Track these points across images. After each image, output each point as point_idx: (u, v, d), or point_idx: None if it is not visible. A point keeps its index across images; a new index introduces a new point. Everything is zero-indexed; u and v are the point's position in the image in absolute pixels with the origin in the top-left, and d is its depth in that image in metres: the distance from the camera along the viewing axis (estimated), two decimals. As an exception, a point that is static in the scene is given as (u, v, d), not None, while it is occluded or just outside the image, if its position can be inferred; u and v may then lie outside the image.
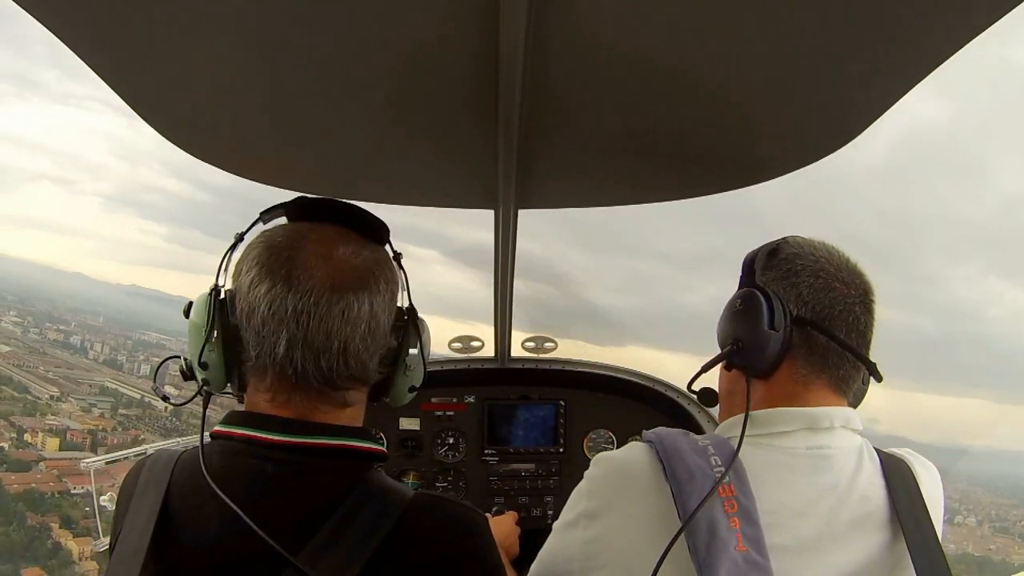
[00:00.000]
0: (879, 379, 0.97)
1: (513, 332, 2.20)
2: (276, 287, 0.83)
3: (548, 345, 2.32)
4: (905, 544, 0.87)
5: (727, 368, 0.99)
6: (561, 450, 2.32)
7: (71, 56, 0.86)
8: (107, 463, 2.38)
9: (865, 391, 1.02)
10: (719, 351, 0.99)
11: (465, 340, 2.29)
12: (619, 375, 2.34)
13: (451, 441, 2.32)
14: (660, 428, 0.94)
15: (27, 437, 27.12)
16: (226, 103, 1.04)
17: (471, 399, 2.33)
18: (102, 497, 2.12)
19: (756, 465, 0.87)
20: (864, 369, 0.96)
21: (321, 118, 1.08)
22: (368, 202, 1.01)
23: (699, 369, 1.01)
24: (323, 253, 0.86)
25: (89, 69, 0.91)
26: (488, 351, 2.29)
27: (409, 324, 0.95)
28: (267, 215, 0.96)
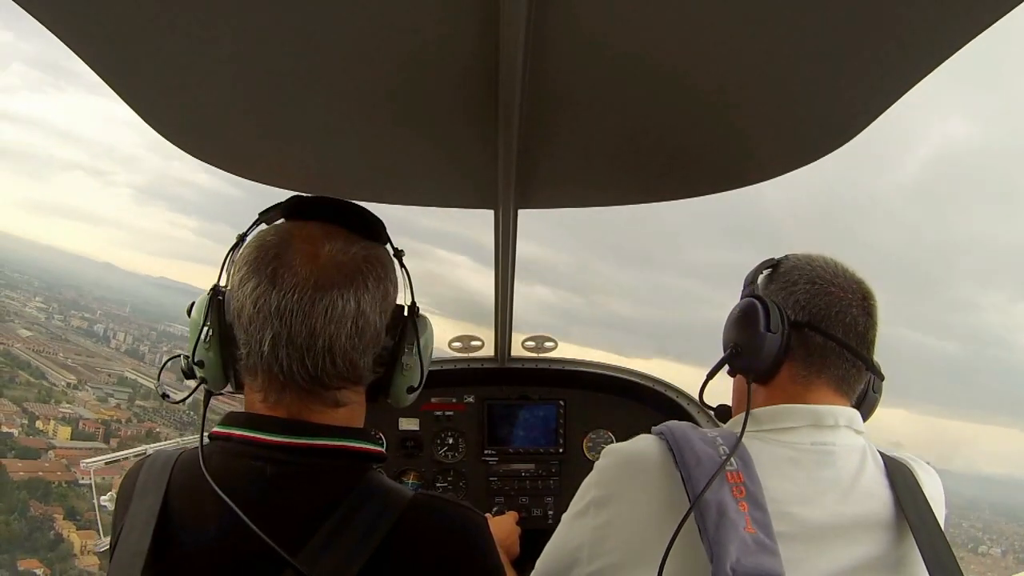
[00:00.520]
0: (880, 377, 1.02)
1: (513, 332, 2.20)
2: (261, 285, 0.83)
3: (548, 345, 2.32)
4: (912, 542, 0.89)
5: (730, 373, 1.05)
6: (561, 450, 2.32)
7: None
8: (107, 463, 2.38)
9: (877, 399, 1.05)
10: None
11: (465, 340, 2.29)
12: (619, 375, 2.34)
13: (451, 441, 2.32)
14: (669, 422, 0.97)
15: (39, 424, 27.12)
16: (226, 103, 1.04)
17: (471, 399, 2.33)
18: (102, 497, 2.13)
19: (762, 458, 0.89)
20: (869, 373, 0.99)
21: (321, 118, 1.08)
22: (368, 202, 1.01)
23: (705, 377, 1.06)
24: (309, 251, 0.85)
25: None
26: (488, 351, 2.29)
27: (406, 323, 0.95)
28: (266, 215, 0.96)
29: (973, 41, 0.71)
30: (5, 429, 26.27)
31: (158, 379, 1.09)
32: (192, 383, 0.96)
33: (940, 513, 0.95)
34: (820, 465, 0.91)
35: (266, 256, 0.85)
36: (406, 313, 0.96)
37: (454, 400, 2.33)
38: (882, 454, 0.98)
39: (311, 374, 0.84)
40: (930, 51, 0.75)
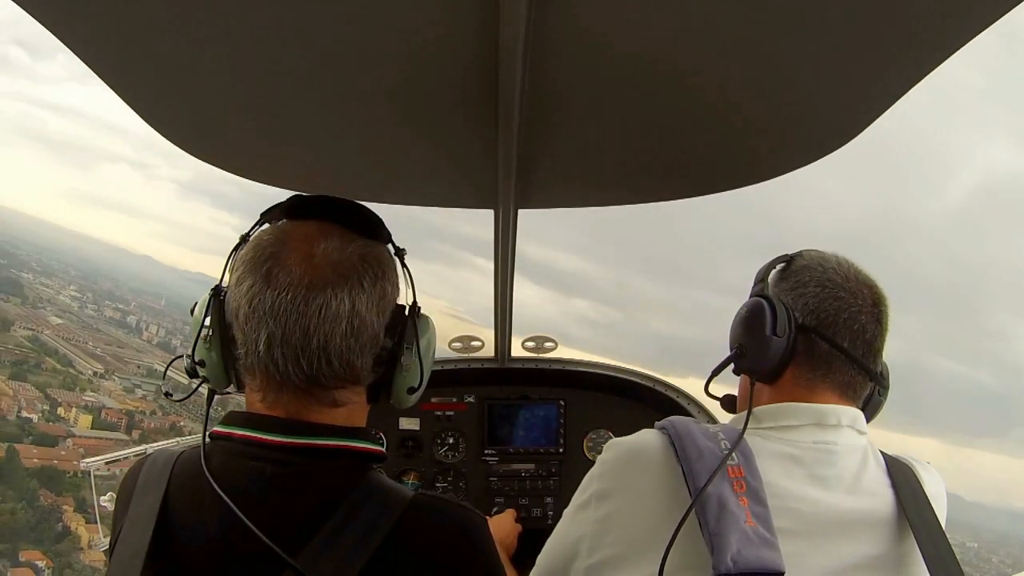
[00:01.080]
0: (884, 387, 1.01)
1: (513, 332, 2.20)
2: (256, 285, 0.83)
3: (548, 345, 2.32)
4: (913, 541, 0.89)
5: (735, 372, 1.04)
6: (561, 450, 2.32)
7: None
8: (107, 463, 2.38)
9: (881, 403, 1.04)
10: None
11: (465, 340, 2.29)
12: (619, 375, 2.34)
13: (451, 441, 2.32)
14: (671, 417, 0.97)
15: (60, 411, 27.06)
16: (225, 103, 1.04)
17: (471, 399, 2.33)
18: (102, 497, 2.12)
19: (764, 454, 0.90)
20: (870, 379, 0.98)
21: (321, 118, 1.08)
22: (368, 202, 1.01)
23: (710, 373, 1.07)
24: (304, 250, 0.85)
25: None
26: (488, 351, 2.29)
27: (406, 323, 0.94)
28: (268, 215, 0.96)
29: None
30: (25, 414, 26.19)
31: (163, 378, 1.09)
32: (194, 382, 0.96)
33: (941, 512, 0.95)
34: (822, 463, 0.91)
35: (262, 255, 0.85)
36: (407, 313, 0.95)
37: (454, 400, 2.32)
38: (884, 454, 0.98)
39: (307, 374, 0.83)
40: (930, 51, 0.75)
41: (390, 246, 0.95)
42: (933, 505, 0.93)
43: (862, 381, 0.98)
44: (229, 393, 0.95)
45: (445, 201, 1.50)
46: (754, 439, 0.91)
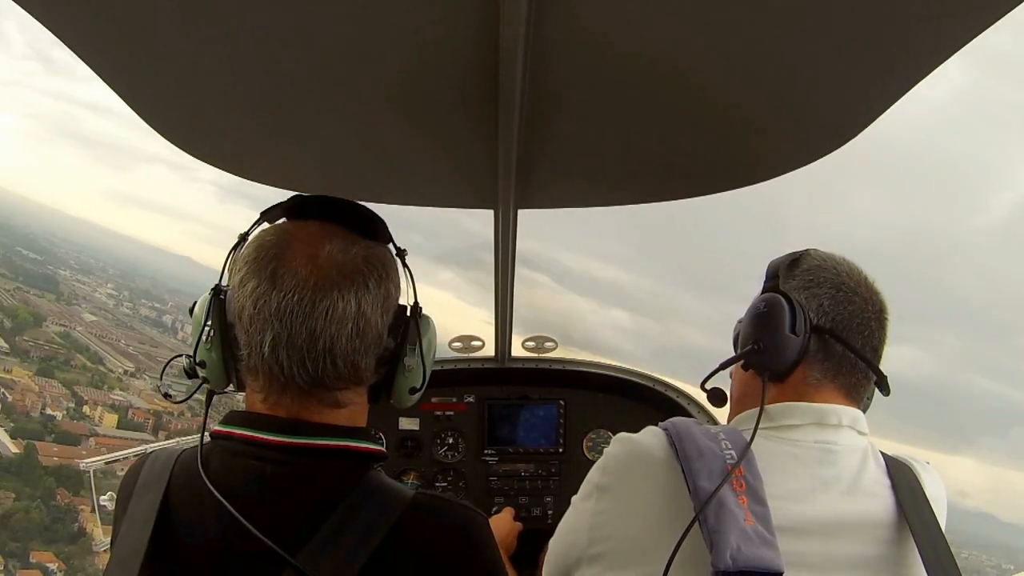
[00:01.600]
0: (887, 392, 1.01)
1: (514, 332, 2.20)
2: (261, 286, 0.83)
3: (548, 345, 2.32)
4: (912, 543, 0.89)
5: (744, 368, 1.03)
6: (561, 450, 2.32)
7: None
8: (106, 463, 2.38)
9: (868, 404, 1.05)
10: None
11: (465, 340, 2.29)
12: (619, 375, 2.34)
13: (451, 441, 2.32)
14: (674, 418, 0.97)
15: (86, 409, 26.81)
16: (225, 103, 1.04)
17: (471, 399, 2.33)
18: (102, 497, 2.13)
19: (763, 453, 0.89)
20: (874, 382, 1.00)
21: (321, 118, 1.08)
22: (368, 202, 1.01)
23: (717, 366, 1.05)
24: (309, 251, 0.85)
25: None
26: (488, 351, 2.29)
27: (408, 324, 0.94)
28: (268, 214, 0.96)
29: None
30: (49, 411, 25.98)
31: (160, 378, 1.09)
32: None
33: (941, 514, 0.95)
34: (822, 463, 0.91)
35: (265, 256, 0.85)
36: (408, 313, 0.95)
37: (454, 400, 2.32)
38: (884, 455, 0.98)
39: (312, 375, 0.83)
40: (930, 51, 0.75)
41: (391, 246, 0.95)
42: (933, 506, 0.93)
43: (866, 384, 0.99)
44: (227, 392, 0.95)
45: (445, 201, 1.50)
46: (755, 438, 0.91)
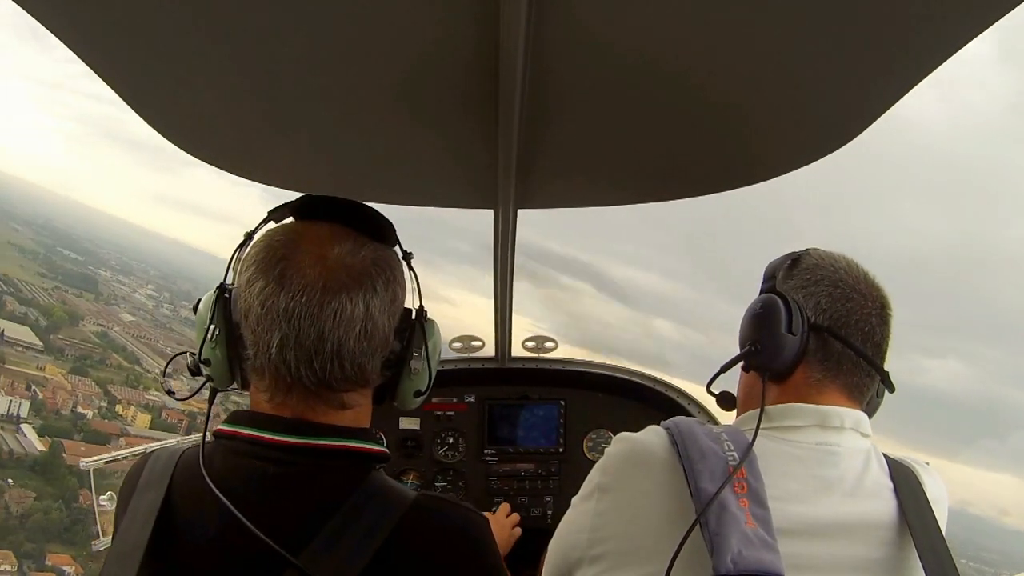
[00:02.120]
0: (891, 388, 1.01)
1: (513, 332, 2.20)
2: (269, 286, 0.83)
3: (548, 345, 2.32)
4: (913, 546, 0.88)
5: (745, 369, 1.04)
6: (561, 450, 2.32)
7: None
8: (106, 463, 2.37)
9: (878, 404, 1.04)
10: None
11: (465, 340, 2.29)
12: (619, 375, 2.34)
13: (451, 441, 2.32)
14: (676, 417, 0.97)
15: (118, 408, 26.80)
16: (225, 103, 1.04)
17: (471, 399, 2.33)
18: (101, 497, 2.12)
19: (765, 454, 0.89)
20: (879, 381, 0.99)
21: (321, 118, 1.08)
22: (368, 202, 1.01)
23: (718, 369, 1.05)
24: (318, 252, 0.85)
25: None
26: (488, 351, 2.29)
27: (414, 327, 0.94)
28: (275, 213, 0.96)
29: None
30: (80, 410, 25.88)
31: (163, 374, 1.08)
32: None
33: (942, 517, 0.95)
34: (824, 465, 0.91)
35: (274, 256, 0.85)
36: (414, 317, 0.95)
37: (455, 400, 2.33)
38: (887, 457, 0.98)
39: (319, 376, 0.83)
40: (930, 51, 0.75)
41: (397, 249, 0.95)
42: (934, 509, 0.92)
43: (869, 383, 0.98)
44: (229, 390, 0.95)
45: (445, 201, 1.50)
46: (757, 439, 0.90)
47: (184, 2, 0.75)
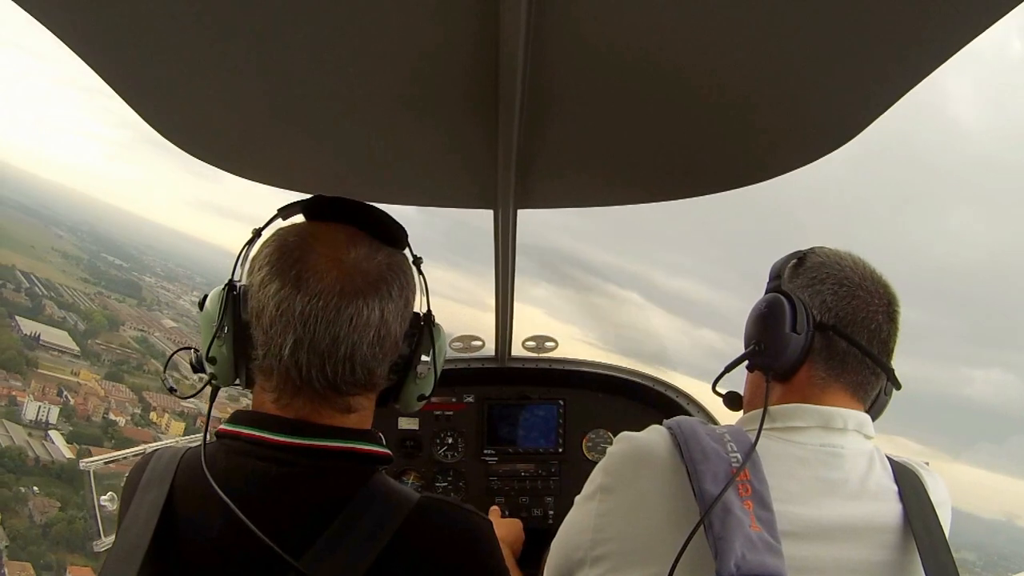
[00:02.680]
0: (898, 386, 1.01)
1: (514, 332, 2.20)
2: (284, 288, 0.82)
3: (548, 345, 2.32)
4: (916, 548, 0.88)
5: (749, 369, 1.03)
6: (561, 450, 2.32)
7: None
8: (106, 463, 2.37)
9: (887, 402, 1.04)
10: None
11: (465, 340, 2.29)
12: (619, 375, 2.34)
13: (450, 441, 2.32)
14: (679, 417, 0.97)
15: (152, 416, 26.41)
16: (226, 103, 1.04)
17: (471, 399, 2.33)
18: (102, 497, 2.11)
19: (768, 456, 0.89)
20: (885, 378, 0.98)
21: (321, 118, 1.08)
22: (368, 202, 1.00)
23: (723, 369, 1.05)
24: (334, 256, 0.84)
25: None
26: (488, 350, 2.29)
27: (424, 332, 0.94)
28: (285, 211, 0.95)
29: None
30: (112, 416, 25.59)
31: (163, 371, 1.08)
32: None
33: (945, 520, 0.94)
34: (827, 466, 0.90)
35: (289, 258, 0.84)
36: (422, 321, 0.95)
37: (454, 400, 2.32)
38: (890, 459, 0.97)
39: (329, 380, 0.83)
40: (930, 51, 0.75)
41: (408, 253, 0.95)
42: (938, 511, 0.92)
43: (874, 381, 0.97)
44: (234, 385, 0.94)
45: (445, 201, 1.50)
46: (760, 440, 0.90)
47: (186, 2, 0.75)
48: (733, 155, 1.15)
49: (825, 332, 0.95)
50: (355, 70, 0.90)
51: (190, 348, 0.96)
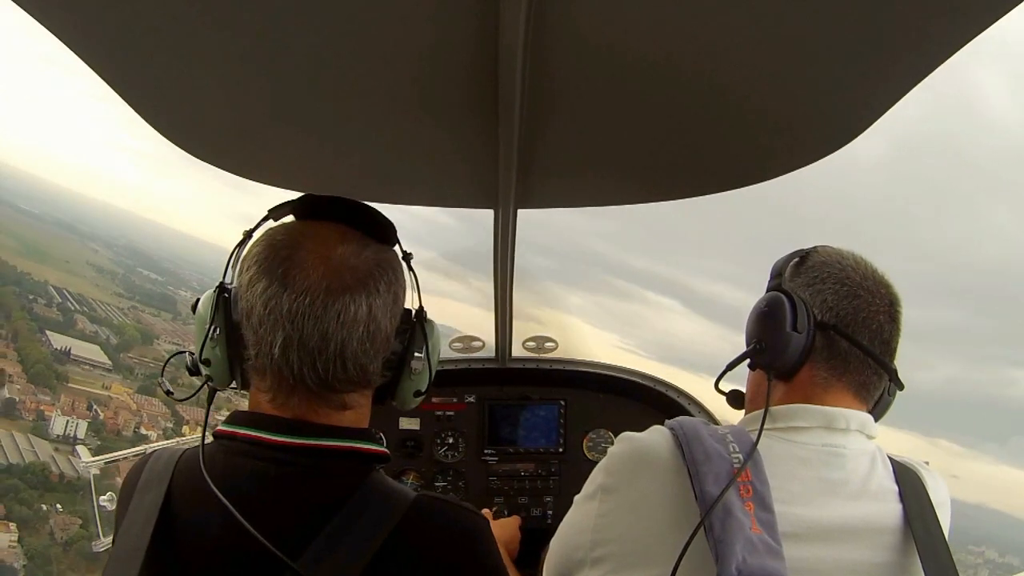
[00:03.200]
0: (900, 386, 1.00)
1: (514, 332, 2.20)
2: (272, 287, 0.82)
3: (548, 345, 2.32)
4: (915, 549, 0.88)
5: (751, 368, 1.03)
6: (561, 450, 2.32)
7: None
8: (106, 463, 2.37)
9: (890, 402, 1.04)
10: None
11: (466, 340, 2.29)
12: (619, 375, 2.34)
13: (451, 441, 2.32)
14: (681, 417, 0.96)
15: (185, 430, 25.69)
16: (226, 102, 1.04)
17: (471, 399, 2.33)
18: (102, 497, 2.12)
19: (770, 456, 0.89)
20: (887, 378, 0.98)
21: (321, 118, 1.08)
22: (369, 202, 1.00)
23: (724, 367, 1.05)
24: (321, 253, 0.84)
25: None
26: (489, 351, 2.29)
27: (415, 328, 0.94)
28: (276, 212, 0.96)
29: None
30: (143, 430, 25.33)
31: (161, 375, 1.08)
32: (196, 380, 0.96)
33: (945, 520, 0.94)
34: (829, 467, 0.90)
35: (277, 256, 0.84)
36: (414, 317, 0.95)
37: (455, 400, 2.32)
38: (891, 459, 0.97)
39: (321, 378, 0.83)
40: (931, 51, 0.75)
41: (398, 249, 0.95)
42: (938, 512, 0.92)
43: (876, 381, 0.97)
44: (230, 389, 0.95)
45: (445, 201, 1.50)
46: (762, 440, 0.90)
47: (186, 2, 0.75)
48: (734, 155, 1.15)
49: (826, 331, 0.95)
50: (355, 69, 0.90)
51: (184, 352, 0.96)
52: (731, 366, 1.04)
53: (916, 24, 0.71)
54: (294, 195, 1.04)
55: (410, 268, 0.96)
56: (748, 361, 1.02)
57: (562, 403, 2.33)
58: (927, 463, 1.01)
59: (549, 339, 2.33)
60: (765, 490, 0.84)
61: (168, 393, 1.05)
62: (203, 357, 0.89)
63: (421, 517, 0.83)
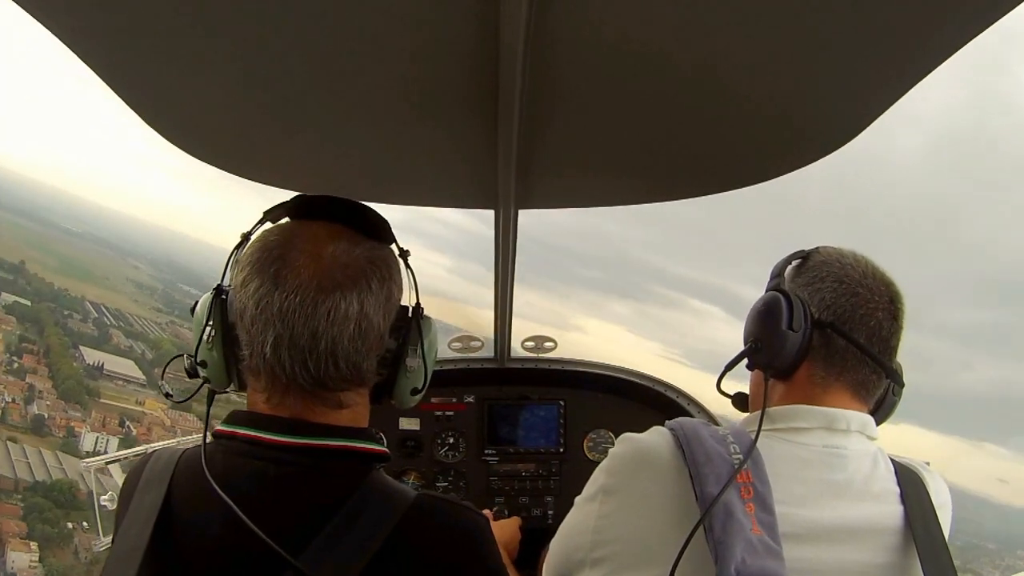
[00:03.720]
0: (901, 384, 1.00)
1: (513, 332, 2.20)
2: (264, 286, 0.83)
3: (548, 345, 2.32)
4: (916, 551, 0.88)
5: (749, 367, 1.03)
6: (561, 450, 2.32)
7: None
8: (106, 463, 2.38)
9: (895, 403, 1.03)
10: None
11: (465, 340, 2.29)
12: (619, 375, 2.34)
13: (451, 441, 2.32)
14: (682, 418, 0.96)
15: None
16: (225, 103, 1.04)
17: (471, 399, 2.33)
18: (102, 497, 2.12)
19: (772, 457, 0.88)
20: (886, 377, 0.97)
21: (321, 118, 1.08)
22: (369, 202, 1.00)
23: (723, 368, 1.05)
24: (313, 251, 0.84)
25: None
26: (488, 351, 2.29)
27: (410, 325, 0.94)
28: (271, 214, 0.96)
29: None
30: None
31: (161, 379, 1.08)
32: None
33: (946, 522, 0.94)
34: (831, 468, 0.90)
35: (269, 256, 0.84)
36: (410, 314, 0.95)
37: (454, 400, 2.33)
38: (892, 460, 0.97)
39: (314, 376, 0.83)
40: (930, 51, 0.75)
41: (394, 247, 0.95)
42: (939, 514, 0.92)
43: (876, 380, 0.97)
44: (228, 391, 0.95)
45: (446, 201, 1.50)
46: (763, 441, 0.90)
47: (185, 2, 0.75)
48: (734, 155, 1.15)
49: (823, 330, 0.95)
50: (355, 69, 0.90)
51: (183, 355, 0.96)
52: (729, 367, 1.04)
53: (916, 24, 0.71)
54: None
55: (407, 265, 0.96)
56: (747, 362, 1.02)
57: (561, 403, 2.33)
58: (928, 464, 1.01)
59: (549, 339, 2.33)
60: (766, 491, 0.84)
61: (167, 395, 1.05)
62: (200, 359, 0.89)
63: (421, 516, 0.83)
